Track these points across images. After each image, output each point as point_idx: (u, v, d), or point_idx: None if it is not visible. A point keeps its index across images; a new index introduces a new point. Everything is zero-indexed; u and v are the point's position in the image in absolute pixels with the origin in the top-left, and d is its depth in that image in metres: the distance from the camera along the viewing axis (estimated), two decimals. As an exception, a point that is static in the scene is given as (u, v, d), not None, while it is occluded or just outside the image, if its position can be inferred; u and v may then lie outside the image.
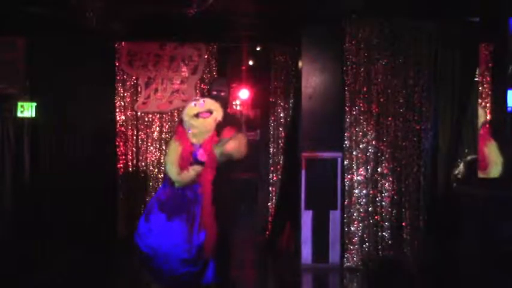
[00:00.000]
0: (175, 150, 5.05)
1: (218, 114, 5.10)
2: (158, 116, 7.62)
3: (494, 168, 6.40)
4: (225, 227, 5.19)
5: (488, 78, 7.21)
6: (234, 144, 5.02)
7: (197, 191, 5.00)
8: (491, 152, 6.47)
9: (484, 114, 6.65)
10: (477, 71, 6.65)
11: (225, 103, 5.40)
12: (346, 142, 6.58)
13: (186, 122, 5.08)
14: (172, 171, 4.98)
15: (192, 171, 4.97)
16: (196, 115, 5.06)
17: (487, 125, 6.65)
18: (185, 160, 5.00)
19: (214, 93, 5.42)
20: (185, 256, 4.90)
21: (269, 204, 7.74)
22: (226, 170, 5.16)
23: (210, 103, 5.13)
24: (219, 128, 5.11)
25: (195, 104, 5.10)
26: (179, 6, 6.11)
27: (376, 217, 6.54)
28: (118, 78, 7.57)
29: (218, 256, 5.11)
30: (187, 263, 4.93)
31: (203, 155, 5.00)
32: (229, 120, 5.32)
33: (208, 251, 4.94)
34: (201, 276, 5.01)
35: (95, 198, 7.13)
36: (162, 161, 7.57)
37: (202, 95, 7.54)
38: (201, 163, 4.99)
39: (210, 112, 5.08)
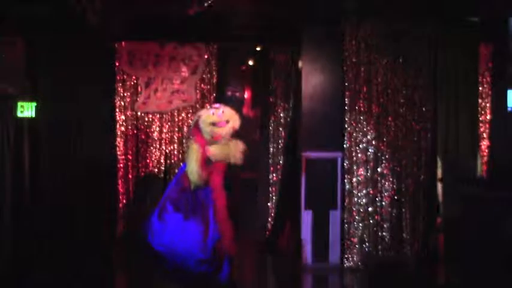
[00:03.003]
0: (196, 153, 5.12)
1: (235, 123, 5.20)
2: (158, 116, 7.62)
3: None
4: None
5: (488, 78, 7.23)
6: (216, 149, 5.12)
7: (209, 193, 5.06)
8: None
9: None
10: (477, 71, 6.65)
11: (240, 103, 5.47)
12: (346, 142, 6.58)
13: (202, 128, 5.16)
14: (196, 174, 5.06)
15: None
16: (213, 123, 5.12)
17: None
18: (204, 162, 5.07)
19: (229, 93, 5.49)
20: (201, 256, 4.95)
21: (269, 204, 7.73)
22: (235, 170, 5.25)
23: (228, 114, 5.21)
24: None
25: (213, 113, 5.16)
26: (179, 6, 6.11)
27: (376, 217, 6.54)
28: (118, 78, 7.57)
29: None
30: (203, 262, 4.97)
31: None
32: (245, 123, 5.40)
33: (224, 251, 4.98)
34: (216, 276, 5.04)
35: (95, 198, 7.12)
36: (162, 160, 7.58)
37: (202, 96, 7.55)
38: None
39: (227, 122, 5.15)
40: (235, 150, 5.17)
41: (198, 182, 5.07)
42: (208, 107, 5.46)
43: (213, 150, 5.12)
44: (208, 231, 4.99)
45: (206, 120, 5.18)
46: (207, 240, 4.97)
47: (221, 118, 5.15)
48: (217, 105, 5.38)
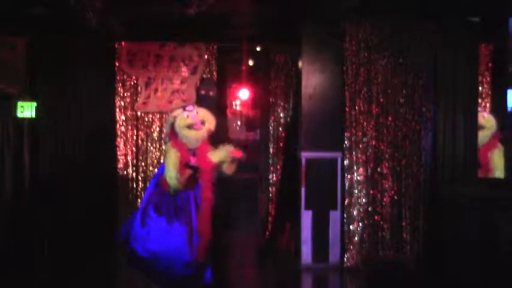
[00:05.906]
0: (174, 158, 5.08)
1: (211, 124, 5.14)
2: (158, 116, 7.62)
3: (496, 173, 6.45)
4: (221, 227, 5.26)
5: (488, 78, 7.23)
6: (216, 156, 5.15)
7: (193, 195, 5.05)
8: (495, 158, 6.51)
9: (495, 123, 6.66)
10: (477, 71, 6.65)
11: (213, 103, 5.46)
12: (346, 142, 6.58)
13: (179, 132, 5.11)
14: (175, 180, 5.03)
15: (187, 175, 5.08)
16: (189, 126, 5.07)
17: (497, 132, 6.65)
18: (183, 166, 5.05)
19: (203, 93, 5.47)
20: (188, 258, 4.92)
21: (269, 204, 7.73)
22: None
23: (203, 114, 5.14)
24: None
25: (187, 115, 5.09)
26: (179, 6, 6.11)
27: (376, 217, 6.54)
28: (118, 78, 7.57)
29: (215, 257, 5.16)
30: (190, 265, 4.95)
31: (196, 160, 5.11)
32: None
33: (201, 254, 4.96)
34: (200, 278, 5.03)
35: (95, 198, 7.13)
36: (162, 161, 7.56)
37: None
38: (193, 168, 5.11)
39: (203, 123, 5.10)
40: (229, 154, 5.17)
41: (177, 186, 5.05)
42: (182, 109, 5.37)
43: (215, 156, 5.12)
44: (192, 233, 4.98)
45: (181, 123, 5.11)
46: (193, 243, 4.96)
47: (196, 120, 5.09)
48: (190, 107, 5.23)
